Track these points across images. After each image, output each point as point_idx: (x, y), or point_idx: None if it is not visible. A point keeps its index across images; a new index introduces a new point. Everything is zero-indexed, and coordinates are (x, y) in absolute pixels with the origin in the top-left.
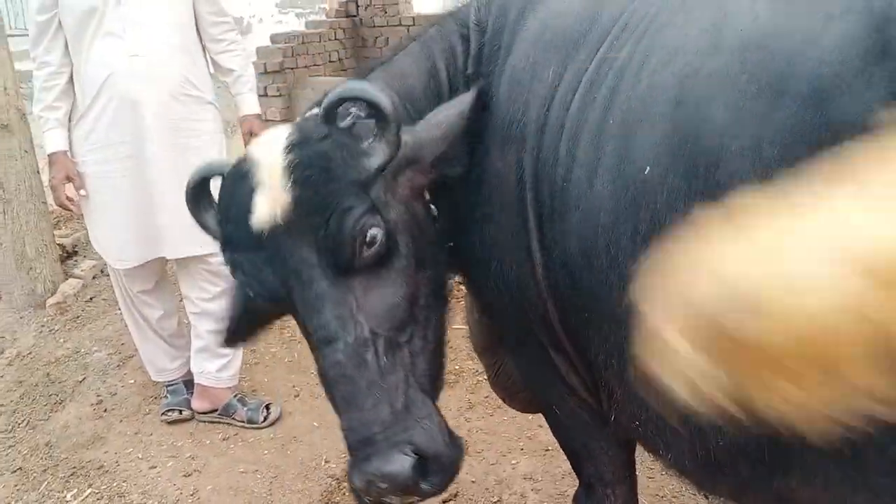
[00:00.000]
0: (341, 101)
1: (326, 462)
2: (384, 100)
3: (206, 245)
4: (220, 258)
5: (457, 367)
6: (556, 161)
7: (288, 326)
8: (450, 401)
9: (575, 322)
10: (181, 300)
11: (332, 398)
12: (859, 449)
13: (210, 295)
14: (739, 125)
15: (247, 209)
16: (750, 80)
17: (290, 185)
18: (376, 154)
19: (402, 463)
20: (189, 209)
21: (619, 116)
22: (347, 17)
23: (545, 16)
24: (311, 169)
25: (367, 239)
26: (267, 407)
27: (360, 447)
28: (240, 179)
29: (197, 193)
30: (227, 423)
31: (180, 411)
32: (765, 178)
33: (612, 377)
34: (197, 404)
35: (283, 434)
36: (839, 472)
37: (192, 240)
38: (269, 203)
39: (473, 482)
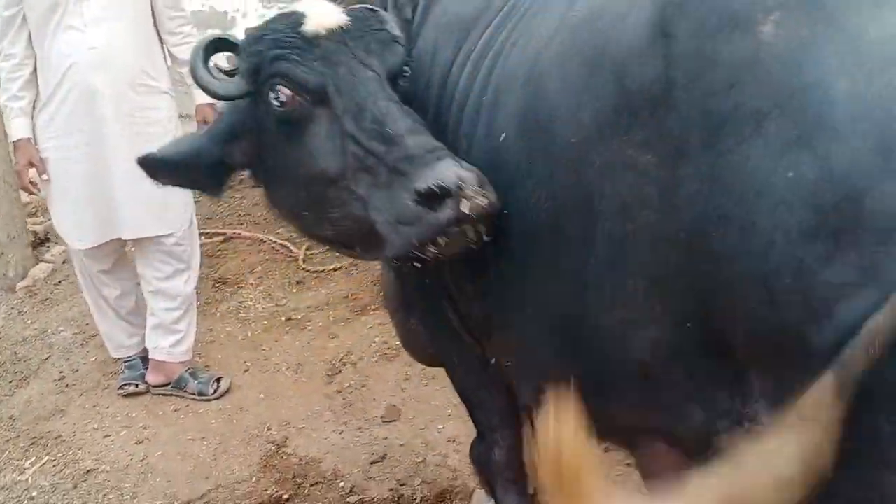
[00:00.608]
0: None
1: (269, 430)
2: None
3: (162, 226)
4: (174, 238)
5: (396, 343)
6: (446, 132)
7: (245, 307)
8: (388, 373)
9: (458, 272)
10: (139, 280)
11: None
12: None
13: (164, 274)
14: (566, 94)
15: (297, 24)
16: (577, 55)
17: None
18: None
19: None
20: (193, 66)
21: (490, 92)
22: None
23: (447, 2)
24: (359, 14)
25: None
26: (217, 380)
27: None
28: (283, 16)
29: (207, 54)
30: (179, 396)
31: (136, 385)
32: (583, 137)
33: (484, 321)
34: (151, 378)
35: (231, 406)
36: None
37: (148, 221)
38: (326, 17)
39: (402, 445)
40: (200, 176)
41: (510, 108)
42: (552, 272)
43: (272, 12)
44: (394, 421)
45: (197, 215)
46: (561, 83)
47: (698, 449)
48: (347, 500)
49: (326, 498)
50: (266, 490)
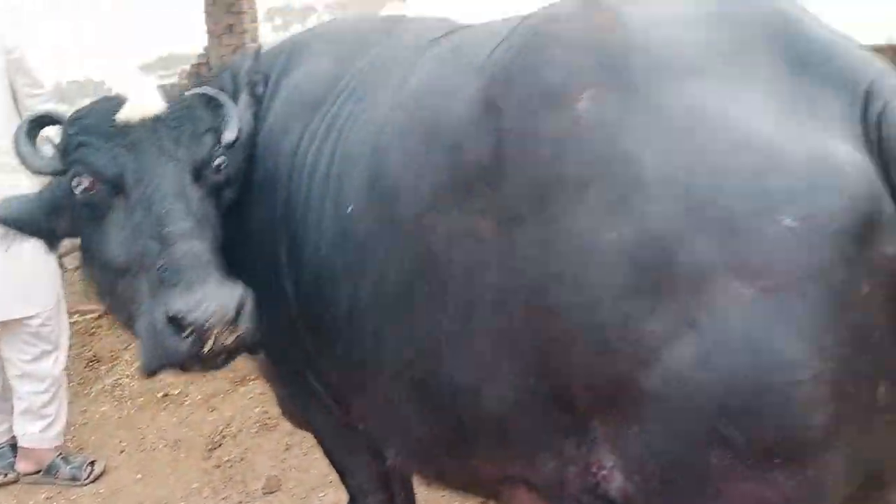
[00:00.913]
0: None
1: None
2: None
3: (27, 307)
4: (40, 319)
5: (276, 412)
6: (298, 206)
7: (120, 385)
8: (269, 444)
9: (317, 341)
10: (3, 365)
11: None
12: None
13: (30, 357)
14: (407, 167)
15: (114, 109)
16: (415, 130)
17: (164, 99)
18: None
19: (233, 290)
20: (16, 138)
21: (336, 167)
22: (199, 79)
23: (297, 79)
24: (184, 101)
25: (217, 163)
26: (91, 464)
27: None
28: (105, 100)
29: (31, 127)
30: (51, 483)
31: (5, 474)
32: (426, 207)
33: (344, 386)
34: (21, 466)
35: (106, 489)
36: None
37: (12, 303)
38: (142, 105)
39: None
40: (39, 233)
41: (356, 181)
42: (406, 336)
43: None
44: (274, 492)
45: (72, 293)
46: (402, 157)
47: (554, 493)
48: None
49: None
50: None
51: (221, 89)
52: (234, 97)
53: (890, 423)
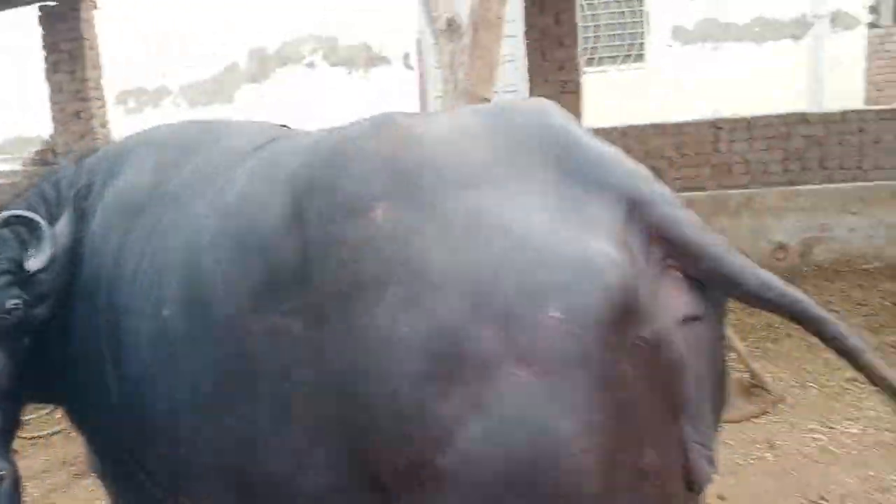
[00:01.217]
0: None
1: None
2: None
3: None
4: None
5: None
6: (118, 309)
7: None
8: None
9: (140, 439)
10: None
11: None
12: None
13: None
14: (222, 273)
15: None
16: (229, 238)
17: None
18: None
19: None
20: None
21: (155, 271)
22: (44, 164)
23: (120, 185)
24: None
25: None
26: None
27: None
28: None
29: None
30: None
31: None
32: (241, 310)
33: (168, 482)
34: None
35: None
36: None
37: None
38: None
39: None
40: None
41: (172, 286)
42: (224, 434)
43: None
44: None
45: None
46: (216, 264)
47: None
48: None
49: None
50: None
51: (43, 199)
52: (56, 207)
53: (656, 487)
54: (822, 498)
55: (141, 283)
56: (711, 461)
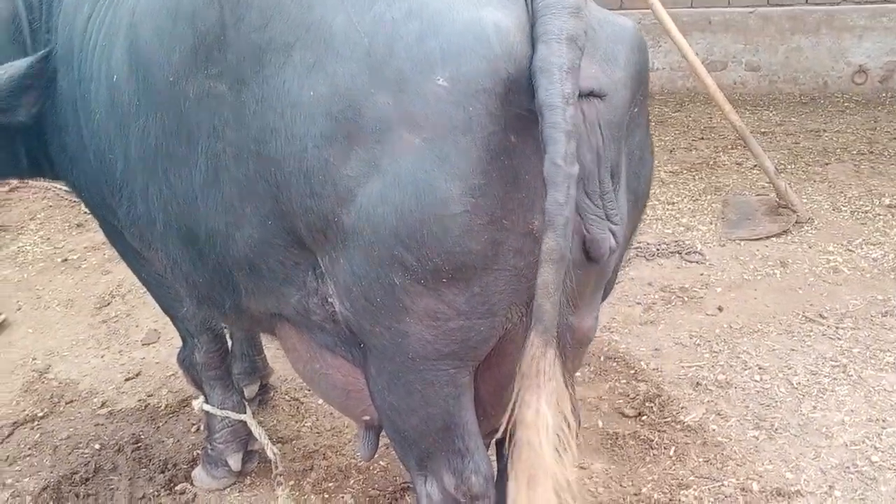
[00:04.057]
0: None
1: (33, 360)
2: None
3: None
4: None
5: None
6: (83, 77)
7: (23, 251)
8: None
9: (111, 198)
10: None
11: None
12: None
13: None
14: (159, 40)
15: None
16: (163, 6)
17: None
18: None
19: None
20: None
21: (106, 38)
22: None
23: None
24: None
25: None
26: None
27: None
28: None
29: None
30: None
31: None
32: (177, 75)
33: (136, 240)
34: None
35: None
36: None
37: None
38: None
39: (157, 363)
40: None
41: (118, 52)
42: (168, 192)
43: None
44: (153, 343)
45: None
46: (153, 32)
47: (304, 324)
48: (98, 412)
49: (79, 413)
50: (24, 411)
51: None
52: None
53: None
54: (821, 315)
55: (98, 51)
56: (615, 234)
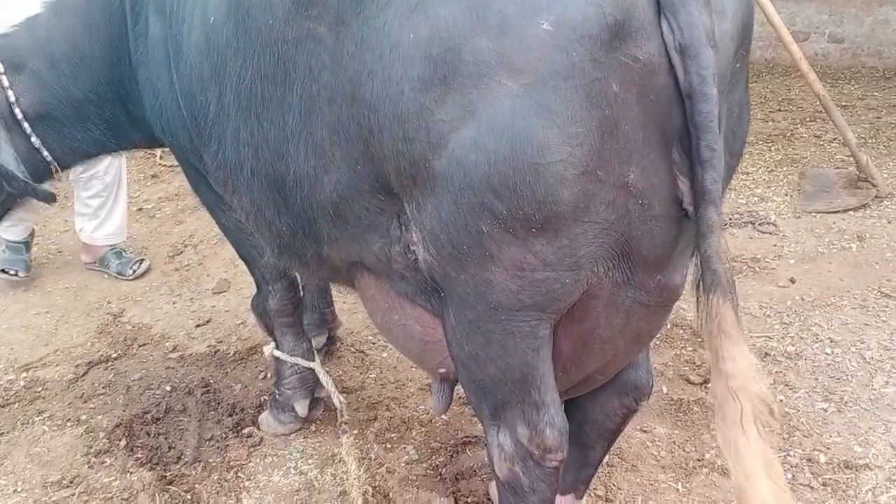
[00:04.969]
0: None
1: (108, 303)
2: None
3: None
4: None
5: None
6: (175, 20)
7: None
8: (225, 253)
9: (198, 141)
10: None
11: None
12: None
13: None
14: None
15: None
16: None
17: None
18: None
19: None
20: None
21: None
22: None
23: None
24: None
25: None
26: (140, 262)
27: None
28: None
29: None
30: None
31: (15, 272)
32: (277, 18)
33: (221, 184)
34: (82, 257)
35: (77, 284)
36: None
37: None
38: None
39: (227, 311)
40: None
41: None
42: (259, 136)
43: None
44: (223, 292)
45: None
46: None
47: (384, 271)
48: (169, 356)
49: (152, 356)
50: (99, 352)
51: None
52: None
53: (644, 207)
54: None
55: None
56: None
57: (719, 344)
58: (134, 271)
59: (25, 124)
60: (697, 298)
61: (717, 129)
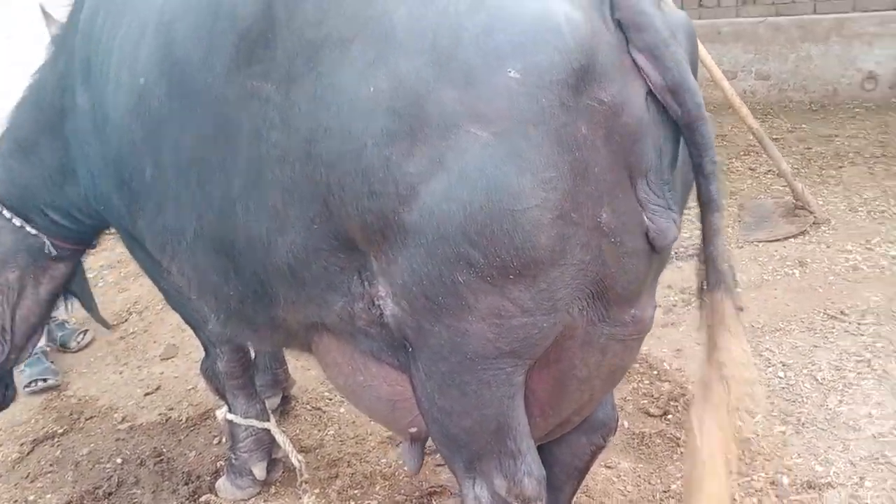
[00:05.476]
0: None
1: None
2: None
3: None
4: None
5: None
6: (102, 84)
7: None
8: (172, 318)
9: (131, 207)
10: None
11: None
12: None
13: None
14: (195, 39)
15: None
16: (198, 3)
17: None
18: None
19: None
20: None
21: (126, 41)
22: None
23: None
24: None
25: None
26: (84, 332)
27: None
28: None
29: None
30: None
31: (45, 380)
32: (216, 77)
33: (159, 250)
34: None
35: None
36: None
37: None
38: None
39: (176, 377)
40: None
41: (145, 54)
42: (203, 200)
43: None
44: (171, 358)
45: None
46: (189, 30)
47: (347, 330)
48: (119, 427)
49: (100, 429)
50: (44, 428)
51: None
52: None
53: (616, 245)
54: (842, 313)
55: (118, 54)
56: (676, 223)
57: (718, 335)
58: (78, 342)
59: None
60: (700, 295)
61: (714, 145)
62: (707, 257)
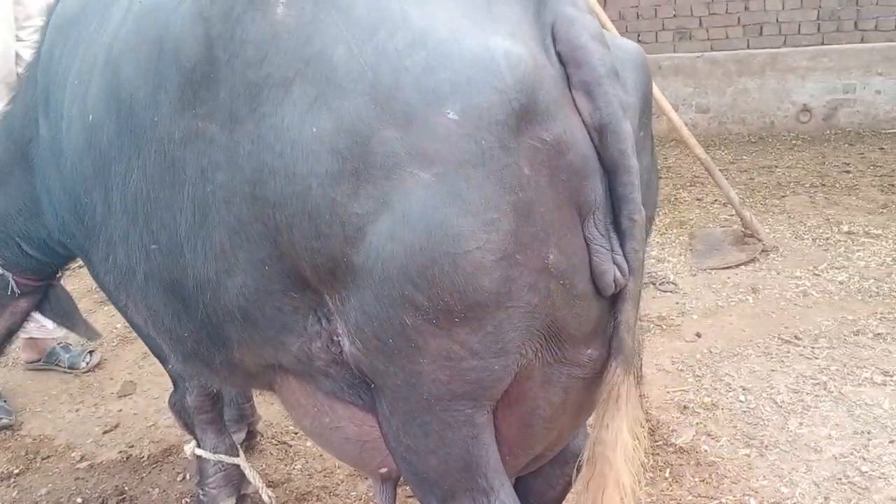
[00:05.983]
0: None
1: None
2: None
3: None
4: None
5: None
6: (56, 119)
7: None
8: (128, 354)
9: (85, 244)
10: None
11: None
12: None
13: None
14: (141, 78)
15: None
16: (144, 42)
17: None
18: None
19: None
20: None
21: (79, 77)
22: None
23: (58, 8)
24: None
25: None
26: (91, 353)
27: None
28: None
29: None
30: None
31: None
32: (162, 115)
33: (112, 289)
34: (24, 355)
35: None
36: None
37: None
38: None
39: (135, 414)
40: None
41: (94, 91)
42: (150, 239)
43: None
44: (129, 395)
45: None
46: (135, 68)
47: (306, 371)
48: (77, 466)
49: (58, 468)
50: None
51: None
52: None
53: (566, 287)
54: (796, 337)
55: (71, 90)
56: (619, 266)
57: (605, 410)
58: (87, 363)
59: None
60: (608, 358)
61: (638, 199)
62: (614, 322)
